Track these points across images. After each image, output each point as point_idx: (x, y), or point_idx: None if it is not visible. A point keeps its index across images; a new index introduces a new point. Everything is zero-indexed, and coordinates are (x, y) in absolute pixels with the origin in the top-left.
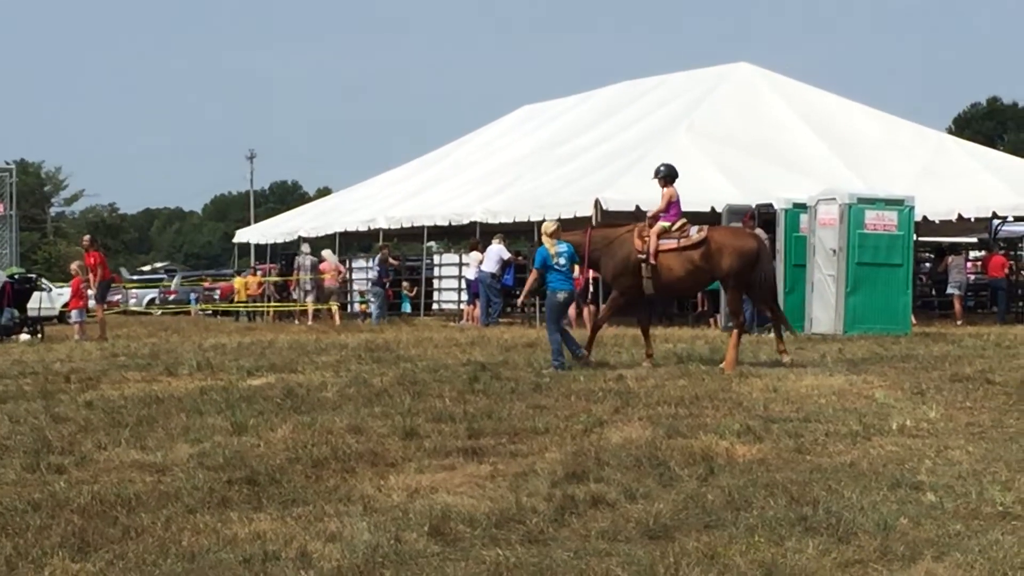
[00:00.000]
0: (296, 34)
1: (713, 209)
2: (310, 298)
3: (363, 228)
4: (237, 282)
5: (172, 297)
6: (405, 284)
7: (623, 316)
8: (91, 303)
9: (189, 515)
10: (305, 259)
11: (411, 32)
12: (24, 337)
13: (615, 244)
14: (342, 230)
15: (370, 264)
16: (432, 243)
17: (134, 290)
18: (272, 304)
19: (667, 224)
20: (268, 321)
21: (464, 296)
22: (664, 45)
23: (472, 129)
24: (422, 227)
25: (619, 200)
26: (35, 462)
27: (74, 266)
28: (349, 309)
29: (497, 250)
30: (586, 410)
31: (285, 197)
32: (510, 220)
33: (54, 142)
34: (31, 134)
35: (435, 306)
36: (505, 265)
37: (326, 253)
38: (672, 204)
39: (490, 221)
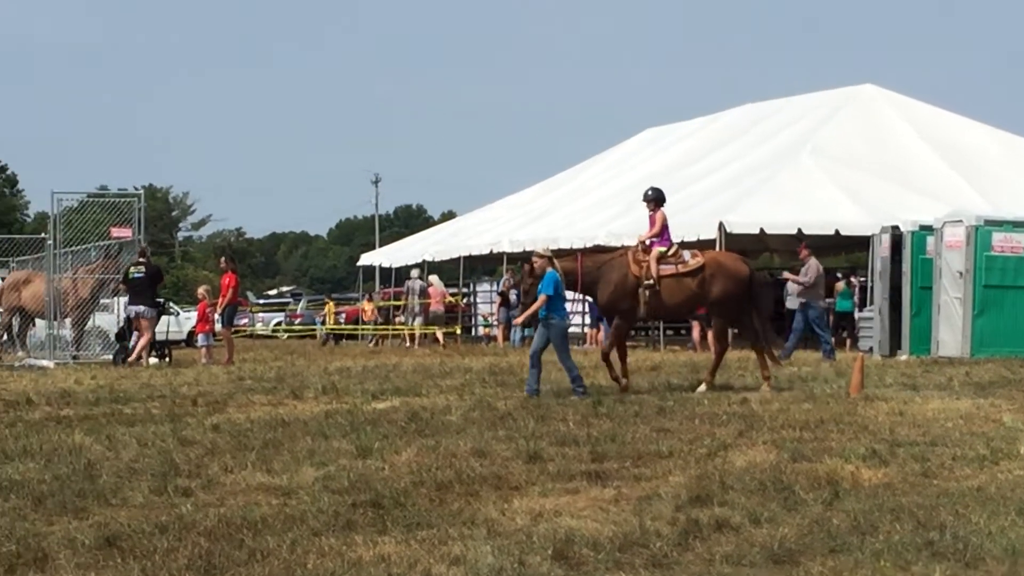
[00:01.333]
0: (421, 59)
1: (837, 232)
2: (417, 321)
3: (487, 252)
4: (364, 305)
5: (298, 321)
6: None
7: (743, 341)
8: (218, 327)
9: (314, 538)
10: (415, 283)
11: (535, 56)
12: (152, 361)
13: (608, 268)
14: (467, 254)
15: (494, 288)
16: None
17: (260, 314)
18: (373, 328)
19: (663, 249)
20: (397, 344)
21: (588, 319)
22: (787, 68)
23: (596, 152)
24: None
25: (743, 223)
26: (162, 485)
27: (201, 290)
28: (473, 332)
29: None
30: (710, 433)
31: (410, 221)
32: (633, 243)
33: (182, 168)
34: (159, 160)
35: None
36: None
37: (433, 278)
38: (665, 228)
39: (613, 244)
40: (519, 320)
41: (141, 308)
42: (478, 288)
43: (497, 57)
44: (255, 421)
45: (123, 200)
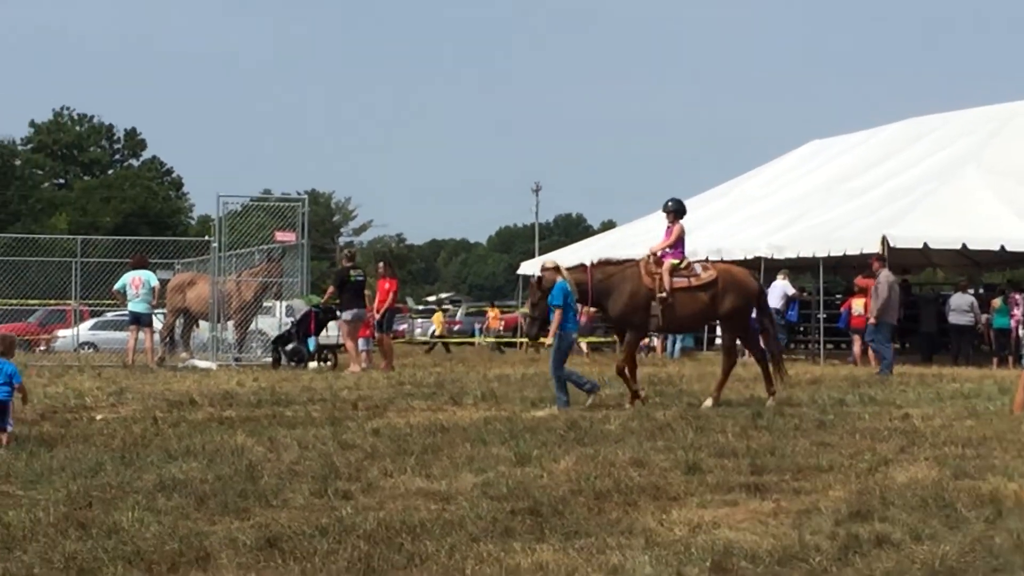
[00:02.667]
0: (584, 69)
1: (1003, 247)
2: None
3: None
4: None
5: (457, 328)
6: None
7: (906, 356)
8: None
9: (473, 544)
10: None
11: (697, 66)
12: (313, 365)
13: (620, 280)
14: None
15: None
16: None
17: (420, 320)
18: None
19: (676, 261)
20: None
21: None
22: (951, 81)
23: (758, 164)
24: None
25: (906, 237)
26: (323, 488)
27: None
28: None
29: (781, 286)
30: (871, 448)
31: (569, 230)
32: (795, 255)
33: (344, 173)
34: (322, 165)
35: (718, 341)
36: (789, 301)
37: None
38: (680, 241)
39: (775, 256)
40: (548, 341)
41: (359, 311)
42: None
43: (659, 68)
44: (415, 426)
45: (286, 204)
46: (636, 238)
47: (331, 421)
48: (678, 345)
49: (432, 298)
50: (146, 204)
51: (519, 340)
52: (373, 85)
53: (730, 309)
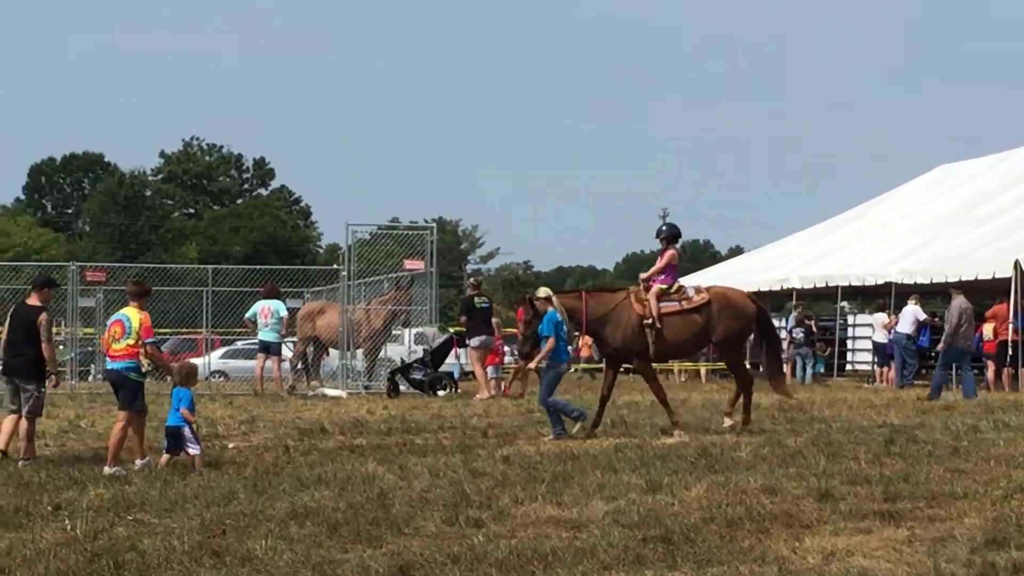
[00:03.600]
0: (709, 94)
1: None
2: None
3: (776, 288)
4: None
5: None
6: (818, 345)
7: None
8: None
9: (605, 572)
10: None
11: (825, 90)
12: (441, 392)
13: (616, 311)
14: (755, 289)
15: (783, 324)
16: (845, 303)
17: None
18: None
19: (664, 286)
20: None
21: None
22: None
23: (886, 189)
24: (836, 287)
25: None
26: (454, 515)
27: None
28: (760, 369)
29: (912, 311)
30: (1006, 475)
31: (697, 256)
32: (926, 281)
33: (471, 201)
34: (449, 193)
35: (848, 367)
36: (921, 326)
37: None
38: (671, 267)
39: (905, 281)
40: (532, 365)
41: (487, 338)
42: None
43: (786, 92)
44: (544, 454)
45: (414, 232)
46: (764, 264)
47: (461, 449)
48: (809, 371)
49: None
50: (275, 233)
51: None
52: (500, 112)
53: (725, 333)
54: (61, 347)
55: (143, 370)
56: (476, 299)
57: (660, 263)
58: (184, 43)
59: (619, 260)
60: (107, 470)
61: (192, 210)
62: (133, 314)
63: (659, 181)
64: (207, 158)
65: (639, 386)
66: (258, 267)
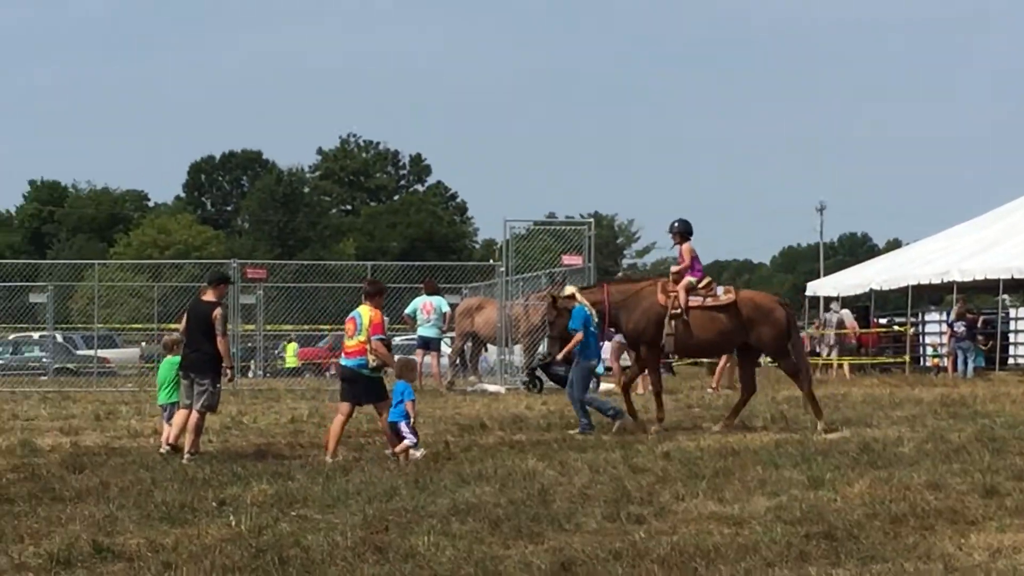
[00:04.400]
0: (867, 87)
1: None
2: (834, 353)
3: (936, 281)
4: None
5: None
6: (979, 338)
7: None
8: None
9: (768, 569)
10: (832, 316)
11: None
12: (605, 387)
13: (635, 298)
14: (914, 283)
15: (942, 317)
16: (1006, 296)
17: None
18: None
19: (693, 280)
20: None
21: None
22: None
23: None
24: (997, 280)
25: None
26: (615, 511)
27: None
28: (922, 363)
29: None
30: None
31: (854, 249)
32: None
33: (627, 195)
34: (605, 188)
35: (1011, 361)
36: None
37: (845, 312)
38: (695, 260)
39: None
40: (559, 357)
41: None
42: (926, 318)
43: (946, 85)
44: (705, 449)
45: (571, 228)
46: (923, 257)
47: (621, 444)
48: (971, 365)
49: None
50: (431, 229)
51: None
52: (653, 106)
53: (761, 339)
54: None
55: (373, 366)
56: None
57: (684, 259)
58: (342, 41)
59: (775, 254)
60: (328, 459)
61: (349, 207)
62: (365, 312)
63: (816, 174)
64: (364, 155)
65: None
66: (415, 263)
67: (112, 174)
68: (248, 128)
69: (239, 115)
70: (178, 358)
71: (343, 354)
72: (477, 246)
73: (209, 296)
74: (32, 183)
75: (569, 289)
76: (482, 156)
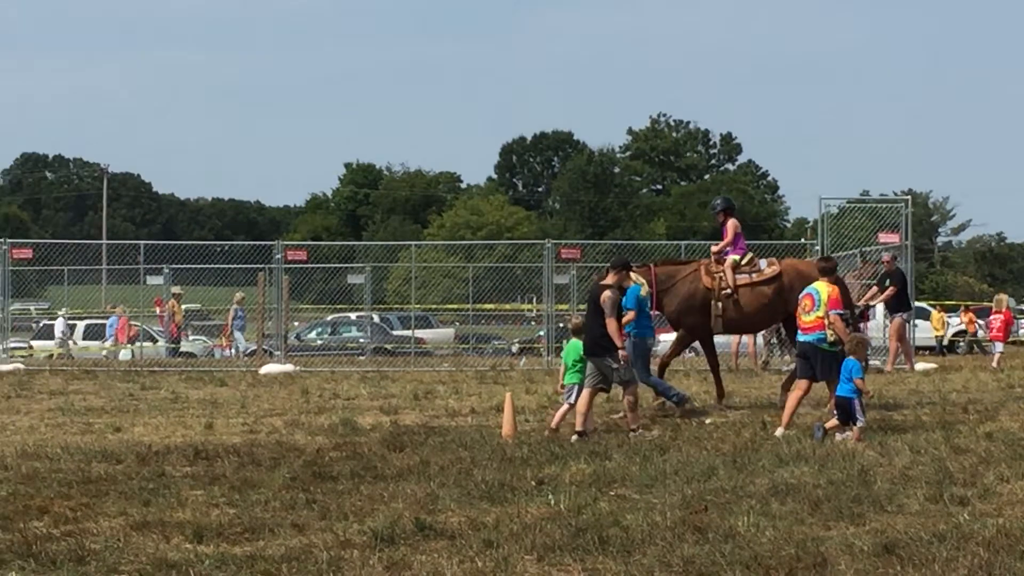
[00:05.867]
0: None
1: None
2: None
3: None
4: None
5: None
6: None
7: None
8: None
9: None
10: None
11: None
12: (921, 367)
13: (681, 282)
14: None
15: None
16: None
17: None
18: None
19: (737, 257)
20: None
21: None
22: None
23: None
24: None
25: None
26: (937, 493)
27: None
28: None
29: None
30: None
31: None
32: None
33: (942, 171)
34: (918, 165)
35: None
36: None
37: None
38: (738, 236)
39: None
40: (619, 342)
41: (908, 313)
42: None
43: None
44: None
45: (886, 206)
46: None
47: (942, 425)
48: None
49: None
50: (742, 208)
51: None
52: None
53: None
54: (532, 323)
55: (830, 340)
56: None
57: (728, 235)
58: (653, 22)
59: None
60: (779, 432)
61: (660, 186)
62: (823, 287)
63: None
64: (674, 134)
65: None
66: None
67: (425, 156)
68: (559, 109)
69: (550, 96)
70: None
71: (799, 330)
72: (788, 225)
73: (609, 279)
74: (347, 166)
75: (624, 261)
76: (794, 134)
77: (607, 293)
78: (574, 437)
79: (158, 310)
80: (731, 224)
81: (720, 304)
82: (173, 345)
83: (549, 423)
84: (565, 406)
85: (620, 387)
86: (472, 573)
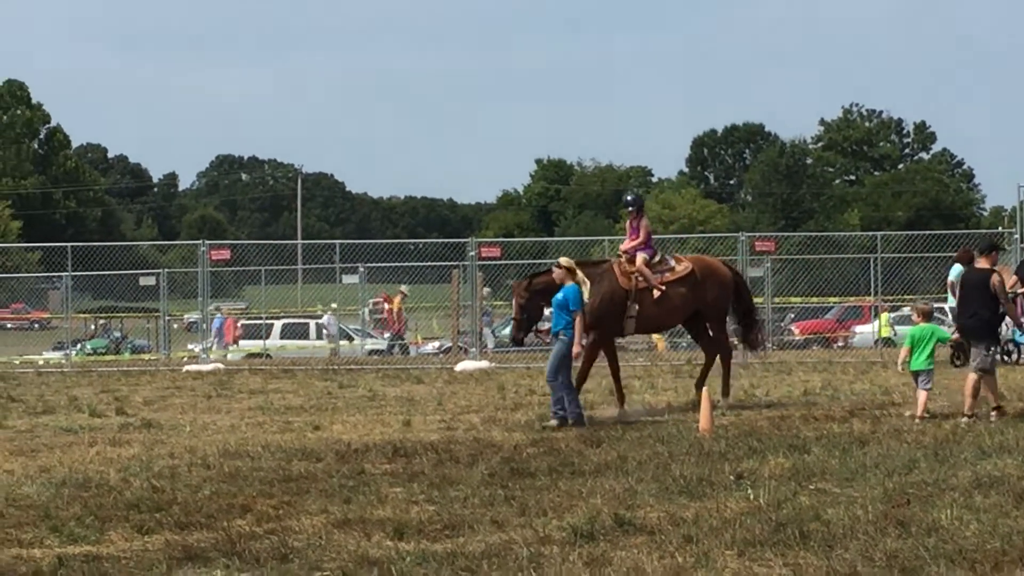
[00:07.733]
0: None
1: None
2: None
3: None
4: None
5: None
6: None
7: None
8: None
9: None
10: None
11: None
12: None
13: (596, 280)
14: None
15: None
16: None
17: None
18: None
19: (646, 256)
20: None
21: None
22: None
23: None
24: None
25: None
26: None
27: None
28: None
29: None
30: None
31: None
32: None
33: None
34: None
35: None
36: None
37: None
38: (649, 236)
39: None
40: (577, 351)
41: None
42: None
43: None
44: None
45: None
46: None
47: None
48: None
49: None
50: (937, 197)
51: None
52: None
53: (712, 300)
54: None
55: None
56: None
57: (640, 236)
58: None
59: None
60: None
61: (853, 177)
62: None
63: None
64: (867, 124)
65: None
66: (921, 232)
67: (616, 151)
68: (751, 101)
69: (741, 89)
70: (929, 326)
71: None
72: (985, 213)
73: (983, 263)
74: (539, 162)
75: (567, 261)
76: (990, 122)
77: (995, 277)
78: (963, 419)
79: (386, 306)
80: (644, 223)
81: (636, 305)
82: (399, 341)
83: (914, 412)
84: (923, 393)
85: (979, 373)
86: (672, 568)
